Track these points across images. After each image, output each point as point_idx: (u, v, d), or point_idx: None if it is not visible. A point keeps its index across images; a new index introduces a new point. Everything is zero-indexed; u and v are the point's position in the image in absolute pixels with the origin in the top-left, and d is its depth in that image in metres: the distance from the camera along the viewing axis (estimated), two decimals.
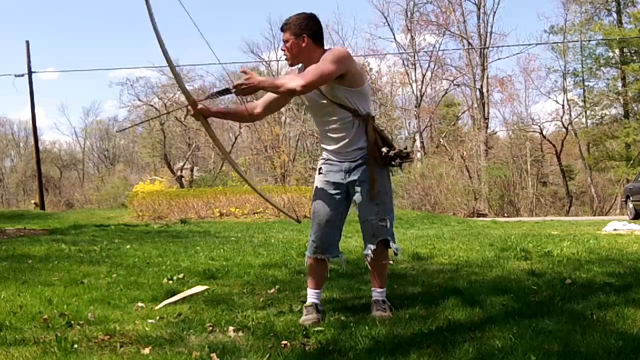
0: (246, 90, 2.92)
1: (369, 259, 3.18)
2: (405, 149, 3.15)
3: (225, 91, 3.02)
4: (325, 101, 3.09)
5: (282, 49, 3.15)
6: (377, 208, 3.12)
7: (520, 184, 28.40)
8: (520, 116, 32.89)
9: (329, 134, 3.19)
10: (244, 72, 2.91)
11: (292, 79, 2.93)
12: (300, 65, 3.17)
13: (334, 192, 3.17)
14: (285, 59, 3.15)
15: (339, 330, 2.82)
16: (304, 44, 3.04)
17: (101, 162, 47.04)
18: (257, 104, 3.35)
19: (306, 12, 3.10)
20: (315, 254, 3.20)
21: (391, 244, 3.18)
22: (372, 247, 3.14)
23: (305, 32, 3.04)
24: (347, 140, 3.13)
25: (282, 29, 3.10)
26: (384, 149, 3.09)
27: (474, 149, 30.44)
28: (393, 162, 3.12)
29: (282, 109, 32.97)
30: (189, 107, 3.22)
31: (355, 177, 3.13)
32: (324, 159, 3.26)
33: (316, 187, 3.25)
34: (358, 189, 3.14)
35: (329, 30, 32.15)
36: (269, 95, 3.27)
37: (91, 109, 67.75)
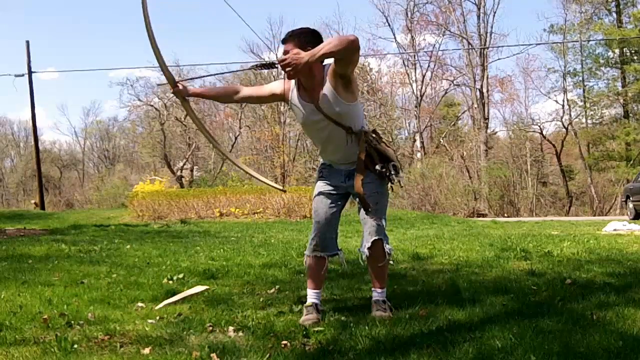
0: (292, 65, 2.79)
1: (364, 256, 3.21)
2: (393, 169, 3.16)
3: (270, 65, 2.99)
4: (318, 117, 3.06)
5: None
6: (376, 207, 3.17)
7: (520, 184, 28.41)
8: (520, 116, 32.95)
9: (324, 147, 3.22)
10: (288, 52, 2.87)
11: (339, 38, 2.80)
12: (292, 81, 3.09)
13: (333, 192, 3.24)
14: (284, 70, 3.00)
15: (339, 330, 2.82)
16: None
17: (101, 162, 47.03)
18: (243, 89, 3.33)
19: (309, 27, 3.06)
20: (315, 252, 3.24)
21: (384, 244, 3.20)
22: (368, 244, 3.18)
23: (310, 46, 2.90)
24: (342, 154, 3.17)
25: (285, 41, 2.98)
26: (378, 167, 3.12)
27: (474, 149, 30.45)
28: (389, 178, 3.16)
29: (282, 109, 32.97)
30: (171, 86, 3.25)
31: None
32: (324, 163, 3.32)
33: (317, 186, 3.31)
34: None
35: (330, 30, 32.17)
36: (257, 89, 3.30)
37: (91, 109, 67.71)
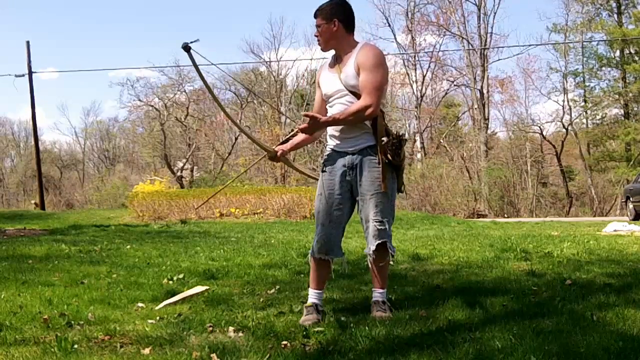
0: (309, 130, 3.16)
1: (370, 259, 3.18)
2: (398, 134, 3.15)
3: (293, 135, 3.37)
4: (340, 87, 3.15)
5: (315, 35, 3.22)
6: (375, 209, 3.12)
7: (521, 184, 28.42)
8: (520, 117, 32.94)
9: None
10: (306, 116, 3.10)
11: (359, 107, 3.02)
12: (333, 52, 3.25)
13: (337, 191, 3.17)
14: (318, 44, 3.23)
15: (339, 331, 2.82)
16: (335, 28, 3.12)
17: (101, 162, 47.03)
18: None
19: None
20: (320, 254, 3.20)
21: (388, 244, 3.17)
22: (373, 248, 3.14)
23: (336, 17, 3.13)
24: (352, 125, 3.14)
25: (315, 15, 3.18)
26: (384, 139, 3.11)
27: (474, 149, 30.45)
28: (392, 151, 3.11)
29: (282, 109, 32.98)
30: (277, 155, 3.45)
31: (358, 177, 3.14)
32: (327, 155, 3.26)
33: (320, 186, 3.23)
34: (360, 189, 3.14)
35: None
36: (319, 105, 3.37)
37: (91, 109, 67.76)
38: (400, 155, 3.14)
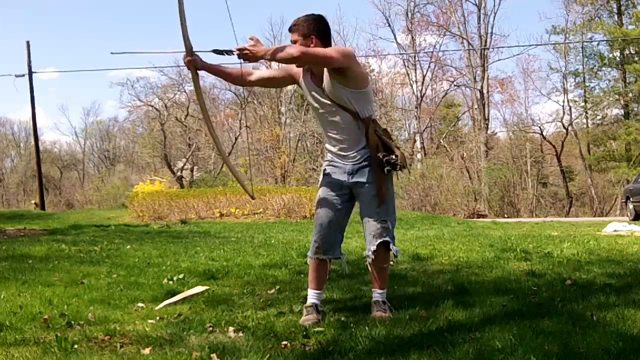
0: (249, 56, 2.90)
1: (369, 260, 3.18)
2: (395, 158, 3.08)
3: (229, 51, 2.98)
4: (327, 102, 3.10)
5: None
6: (378, 210, 3.13)
7: (521, 184, 28.39)
8: (520, 117, 32.92)
9: (331, 135, 3.20)
10: (251, 39, 2.90)
11: (290, 49, 2.90)
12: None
13: (337, 193, 3.19)
14: None
15: (339, 331, 2.82)
16: (312, 45, 3.03)
17: (101, 162, 47.00)
18: (254, 72, 3.33)
19: (314, 13, 3.11)
20: (317, 255, 3.21)
21: (391, 246, 3.17)
22: (373, 248, 3.14)
23: (314, 33, 3.05)
24: (348, 142, 3.14)
25: (290, 30, 3.10)
26: (380, 154, 3.08)
27: (474, 149, 30.43)
28: (388, 168, 3.09)
29: (283, 110, 32.99)
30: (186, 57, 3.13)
31: (359, 179, 3.14)
32: (328, 160, 3.27)
33: (320, 188, 3.25)
34: (361, 190, 3.15)
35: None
36: (271, 71, 3.29)
37: (91, 109, 67.56)
38: (396, 167, 3.11)
